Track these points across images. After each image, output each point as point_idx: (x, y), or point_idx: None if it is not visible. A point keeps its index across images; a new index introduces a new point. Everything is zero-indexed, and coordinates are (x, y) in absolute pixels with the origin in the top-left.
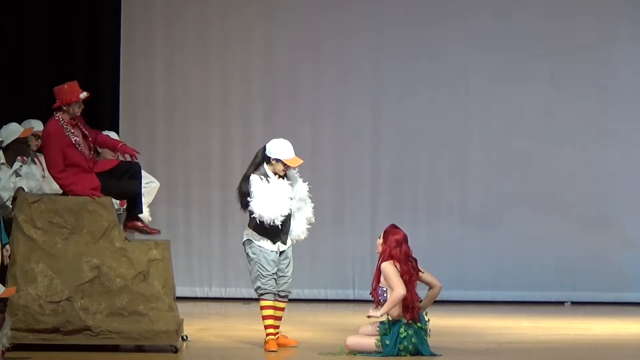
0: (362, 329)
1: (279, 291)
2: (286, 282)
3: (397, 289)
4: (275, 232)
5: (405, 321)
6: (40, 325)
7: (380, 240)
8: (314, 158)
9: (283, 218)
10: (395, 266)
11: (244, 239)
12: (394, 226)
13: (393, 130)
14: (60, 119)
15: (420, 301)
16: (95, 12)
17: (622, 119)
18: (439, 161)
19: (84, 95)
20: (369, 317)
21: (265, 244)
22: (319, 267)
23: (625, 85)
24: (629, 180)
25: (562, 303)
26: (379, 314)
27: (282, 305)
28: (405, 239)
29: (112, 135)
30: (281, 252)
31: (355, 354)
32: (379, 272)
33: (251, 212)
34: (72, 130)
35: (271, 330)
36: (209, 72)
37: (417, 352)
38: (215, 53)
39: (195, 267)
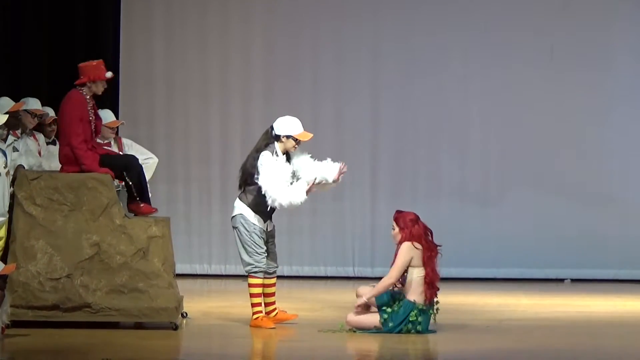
0: (360, 297)
1: (268, 267)
2: (273, 258)
3: (391, 275)
4: (270, 212)
5: (422, 306)
6: (40, 302)
7: (396, 230)
8: (314, 137)
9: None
10: (415, 247)
11: (237, 213)
12: (399, 211)
13: (392, 108)
14: (84, 93)
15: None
16: None
17: (622, 96)
18: (438, 139)
19: (110, 74)
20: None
21: (258, 222)
22: (318, 245)
23: (625, 62)
24: (629, 157)
25: (561, 280)
26: (365, 299)
27: (272, 281)
28: (417, 217)
29: (109, 114)
30: (268, 231)
31: (355, 331)
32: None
33: (261, 191)
34: (91, 108)
35: (259, 309)
36: (209, 50)
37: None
38: (214, 32)
39: (195, 244)
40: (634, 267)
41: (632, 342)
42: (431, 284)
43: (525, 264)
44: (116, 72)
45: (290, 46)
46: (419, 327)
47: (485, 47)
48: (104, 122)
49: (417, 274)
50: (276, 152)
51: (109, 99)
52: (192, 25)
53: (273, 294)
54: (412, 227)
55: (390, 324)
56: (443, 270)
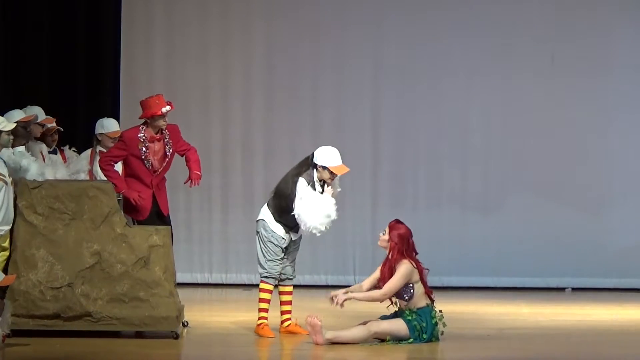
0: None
1: (282, 274)
2: (288, 266)
3: (385, 291)
4: (293, 222)
5: (431, 305)
6: (40, 311)
7: (386, 237)
8: (314, 144)
9: (321, 231)
10: (411, 264)
11: (260, 217)
12: (397, 221)
13: (393, 115)
14: (142, 131)
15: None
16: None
17: (622, 103)
18: (439, 147)
19: (166, 109)
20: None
21: (278, 230)
22: (319, 253)
23: (625, 69)
24: (629, 164)
25: (562, 289)
26: (345, 297)
27: (287, 289)
28: (410, 233)
29: (112, 123)
30: (292, 241)
31: (389, 341)
32: (391, 270)
33: (296, 215)
34: (149, 145)
35: (264, 314)
36: (209, 58)
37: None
38: (215, 40)
39: (196, 253)
40: (635, 276)
41: (633, 350)
42: (427, 295)
43: (526, 273)
44: (117, 78)
45: (291, 54)
46: (443, 329)
47: (486, 55)
48: (105, 131)
49: (417, 288)
50: (313, 180)
51: (110, 108)
52: (192, 32)
53: (287, 303)
54: (401, 246)
55: (425, 336)
56: (444, 279)
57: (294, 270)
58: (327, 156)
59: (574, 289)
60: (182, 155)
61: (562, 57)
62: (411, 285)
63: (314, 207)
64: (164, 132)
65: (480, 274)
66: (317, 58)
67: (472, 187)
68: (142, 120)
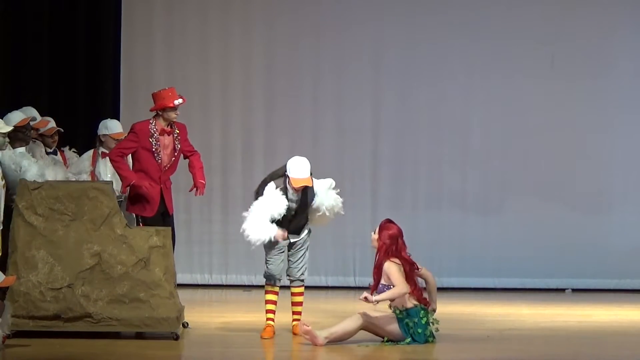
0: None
1: (289, 276)
2: (294, 268)
3: (399, 286)
4: (290, 226)
5: (420, 306)
6: (41, 312)
7: (375, 235)
8: (314, 145)
9: (259, 243)
10: (395, 262)
11: None
12: (388, 220)
13: (393, 117)
14: (152, 124)
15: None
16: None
17: (623, 105)
18: (439, 148)
19: (179, 102)
20: (364, 298)
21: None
22: (319, 254)
23: (625, 71)
24: (629, 166)
25: (562, 290)
26: (374, 299)
27: (296, 290)
28: (400, 233)
29: (116, 124)
30: (292, 243)
31: (387, 342)
32: (379, 270)
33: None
34: (159, 138)
35: (269, 315)
36: (209, 60)
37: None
38: (215, 41)
39: (196, 254)
40: (635, 277)
41: (633, 351)
42: (419, 299)
43: (526, 274)
44: (117, 78)
45: (291, 56)
46: (437, 325)
47: (487, 57)
48: (109, 132)
49: None
50: (286, 186)
51: (110, 108)
52: (192, 35)
53: (296, 304)
54: (389, 246)
55: (420, 330)
56: (443, 280)
57: (301, 272)
58: (293, 166)
59: (574, 290)
60: (185, 158)
61: (562, 58)
62: (392, 287)
63: (255, 217)
64: (173, 126)
65: (480, 275)
66: (317, 58)
67: (472, 188)
68: (152, 115)
